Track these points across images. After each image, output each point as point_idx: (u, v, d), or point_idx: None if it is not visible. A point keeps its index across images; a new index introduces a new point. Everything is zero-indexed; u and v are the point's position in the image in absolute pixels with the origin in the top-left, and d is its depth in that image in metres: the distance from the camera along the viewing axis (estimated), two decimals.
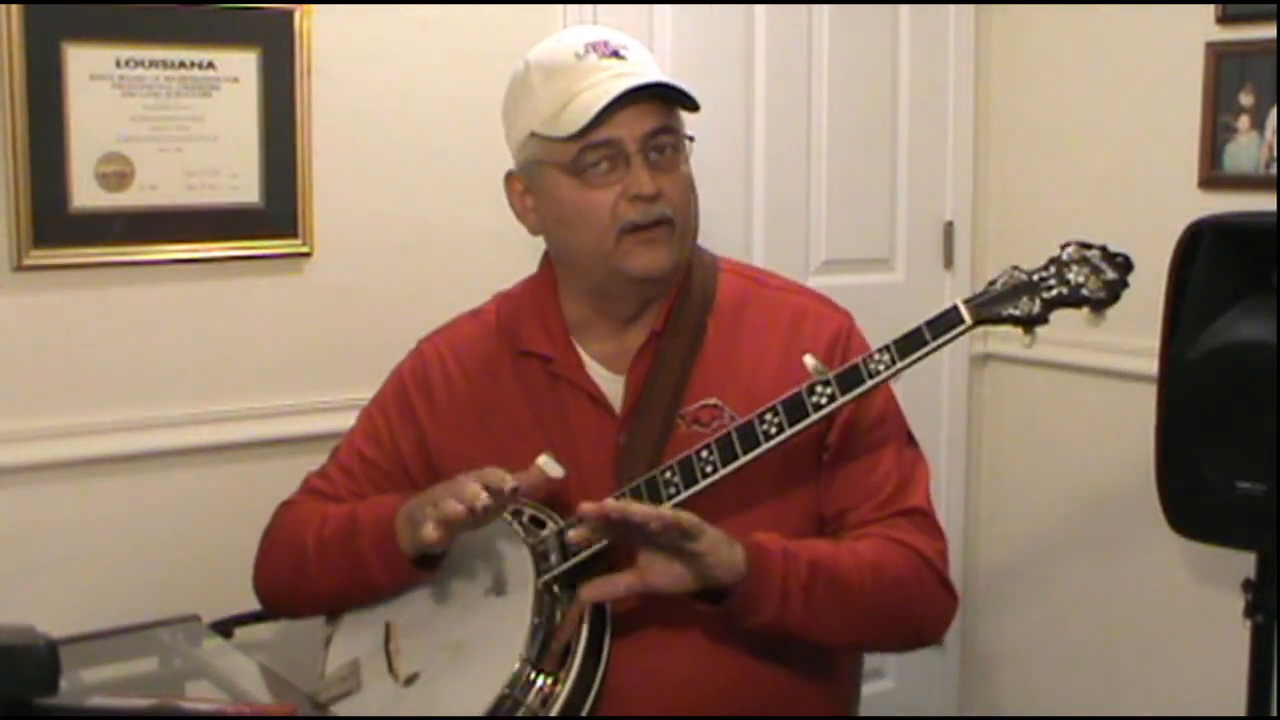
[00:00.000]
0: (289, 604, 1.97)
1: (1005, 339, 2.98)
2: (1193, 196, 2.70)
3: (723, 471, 1.67)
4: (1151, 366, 2.34)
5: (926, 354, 1.66)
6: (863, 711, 2.01)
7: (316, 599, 1.89)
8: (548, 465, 1.71)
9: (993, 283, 1.69)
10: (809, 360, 1.67)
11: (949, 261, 3.15)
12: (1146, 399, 2.34)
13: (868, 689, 2.23)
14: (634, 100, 1.73)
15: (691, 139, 1.86)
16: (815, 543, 1.75)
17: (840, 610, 1.72)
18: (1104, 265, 1.67)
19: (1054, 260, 1.69)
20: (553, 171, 1.78)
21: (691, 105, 1.78)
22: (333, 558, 1.82)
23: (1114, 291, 1.66)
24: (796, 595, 1.68)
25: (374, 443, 1.93)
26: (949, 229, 3.15)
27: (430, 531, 1.65)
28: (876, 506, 1.81)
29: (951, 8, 3.09)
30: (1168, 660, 2.83)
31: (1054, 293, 1.66)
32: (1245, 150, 2.64)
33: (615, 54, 1.76)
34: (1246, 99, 2.64)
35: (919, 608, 1.80)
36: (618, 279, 1.78)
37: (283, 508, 1.96)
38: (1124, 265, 1.67)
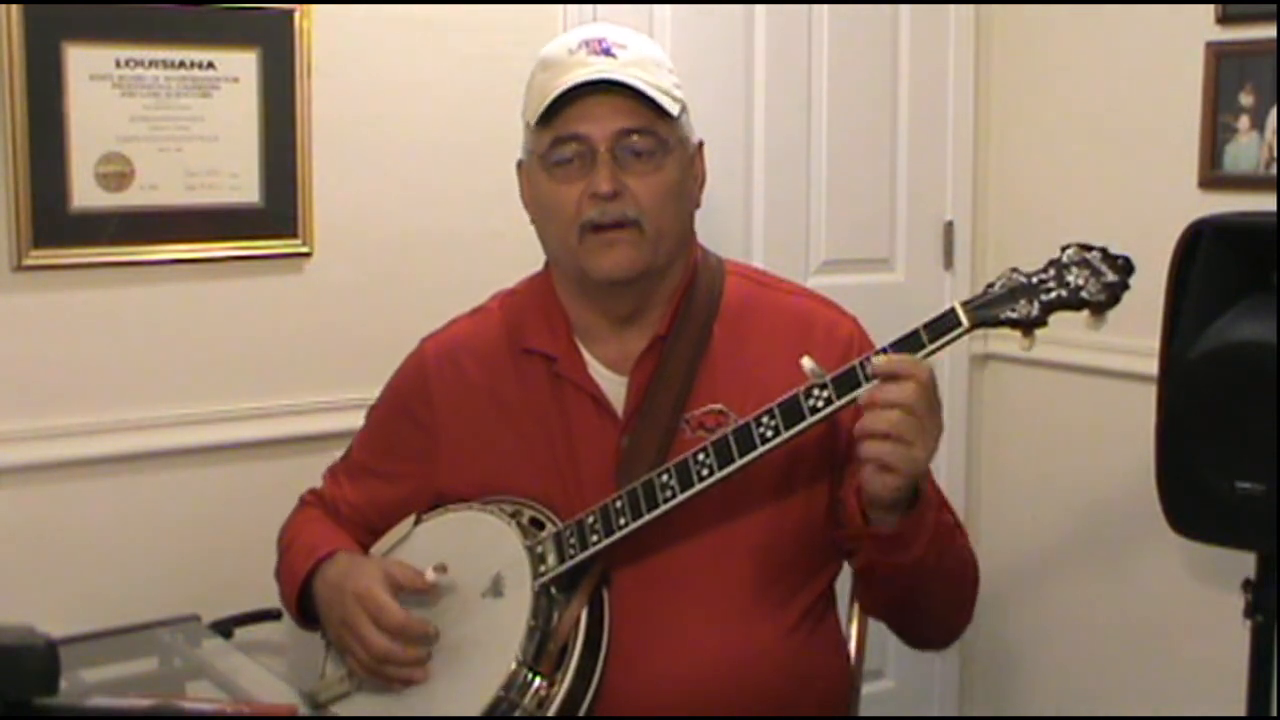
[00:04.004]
0: None
1: (1005, 339, 2.97)
2: (1193, 196, 2.70)
3: (719, 474, 1.66)
4: (1151, 366, 2.33)
5: (923, 357, 1.64)
6: (863, 711, 2.01)
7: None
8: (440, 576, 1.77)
9: (991, 285, 1.68)
10: (806, 363, 1.66)
11: (949, 261, 3.14)
12: (1146, 399, 2.34)
13: (868, 689, 2.23)
14: (607, 98, 1.73)
15: (701, 143, 1.86)
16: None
17: (950, 580, 1.77)
18: (1104, 267, 1.64)
19: (1053, 262, 1.67)
20: (534, 163, 1.81)
21: (660, 109, 1.76)
22: (281, 584, 1.96)
23: (1114, 294, 1.63)
24: (936, 544, 1.67)
25: (376, 452, 1.95)
26: (949, 229, 3.15)
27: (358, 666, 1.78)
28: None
29: (951, 8, 3.09)
30: (1168, 660, 2.83)
31: (1053, 295, 1.64)
32: (1245, 150, 2.64)
33: (606, 51, 1.76)
34: (1246, 99, 2.63)
35: (972, 604, 1.86)
36: (587, 278, 1.79)
37: (296, 508, 2.03)
38: (1125, 268, 1.64)
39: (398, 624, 1.72)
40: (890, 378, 1.59)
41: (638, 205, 1.75)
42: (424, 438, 1.90)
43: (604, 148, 1.74)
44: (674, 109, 1.78)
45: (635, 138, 1.75)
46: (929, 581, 1.72)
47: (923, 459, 1.59)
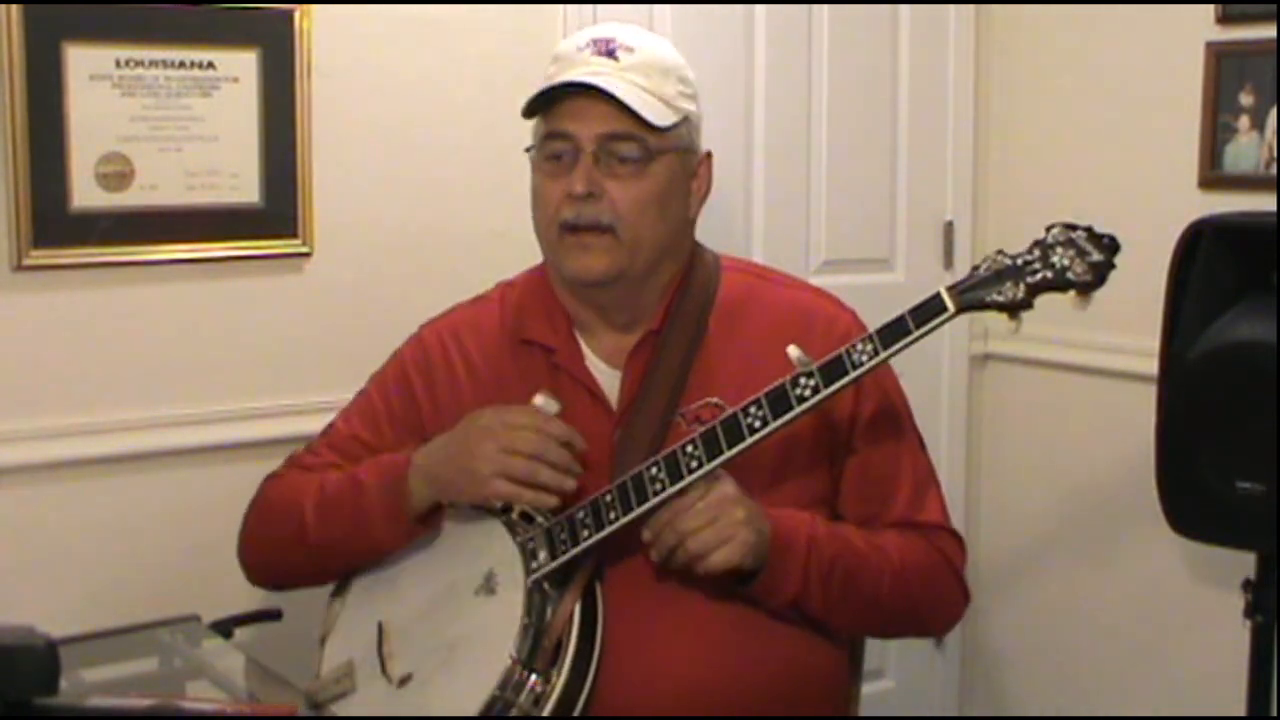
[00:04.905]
0: (279, 571, 1.96)
1: (1005, 339, 2.98)
2: (1193, 196, 2.70)
3: (708, 466, 1.66)
4: (1151, 366, 2.33)
5: (910, 343, 1.64)
6: (863, 711, 2.01)
7: (310, 562, 1.89)
8: (546, 405, 1.73)
9: (976, 268, 1.66)
10: (792, 351, 1.66)
11: (949, 261, 3.14)
12: (1146, 399, 2.34)
13: (868, 689, 2.23)
14: (596, 100, 1.74)
15: (709, 154, 1.87)
16: (847, 534, 1.78)
17: (857, 604, 1.78)
18: (1089, 247, 1.62)
19: (1038, 243, 1.65)
20: (533, 155, 1.83)
21: (645, 122, 1.76)
22: (333, 517, 1.83)
23: (1100, 274, 1.61)
24: (816, 586, 1.73)
25: (369, 424, 1.93)
26: (949, 229, 3.15)
27: (503, 489, 1.69)
28: (894, 511, 1.84)
29: (951, 8, 3.09)
30: (1168, 660, 2.83)
31: (1038, 276, 1.62)
32: (1245, 150, 2.64)
33: (610, 53, 1.77)
34: (1246, 99, 2.63)
35: (933, 607, 1.87)
36: (562, 276, 1.82)
37: (270, 480, 1.98)
38: (1109, 246, 1.62)
39: (537, 417, 1.70)
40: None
41: (614, 211, 1.76)
42: (421, 416, 1.90)
43: (588, 148, 1.75)
44: (663, 120, 1.77)
45: (619, 143, 1.76)
46: (831, 614, 1.77)
47: (743, 546, 1.66)
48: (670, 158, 1.80)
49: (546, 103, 1.78)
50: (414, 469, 1.77)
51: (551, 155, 1.79)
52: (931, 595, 1.85)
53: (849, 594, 1.76)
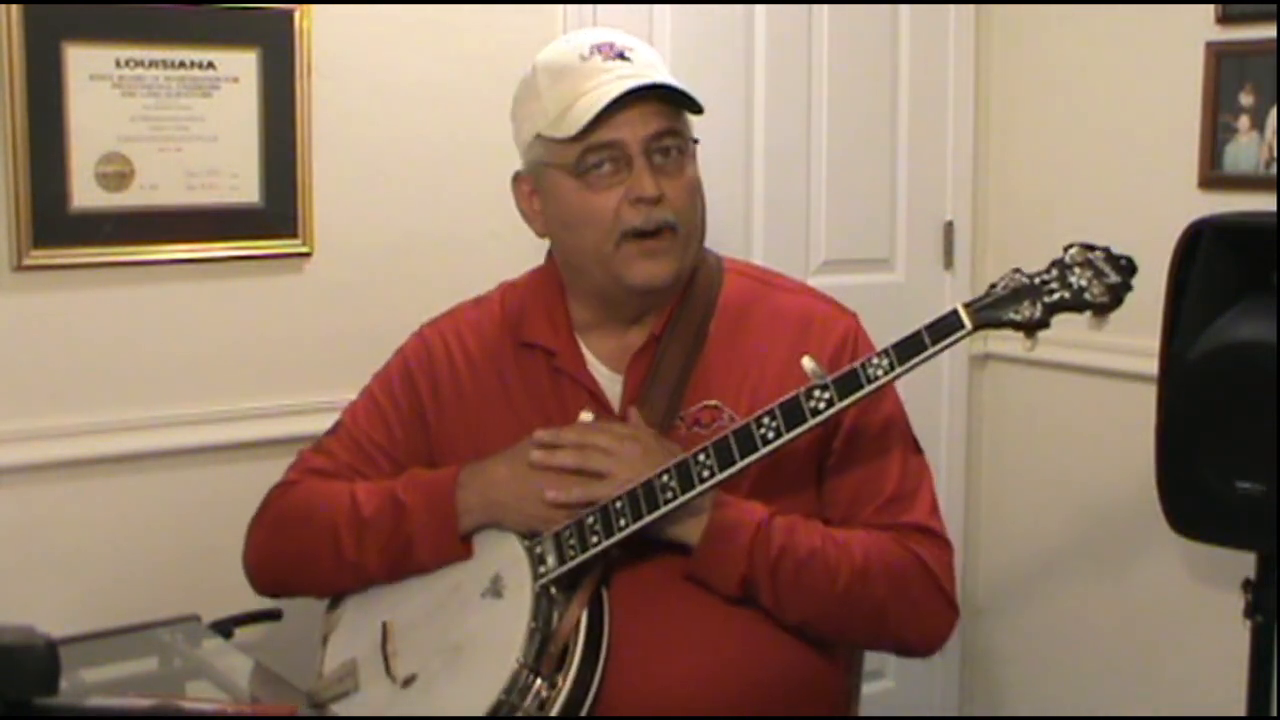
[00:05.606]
0: (299, 584, 1.93)
1: (1006, 339, 2.97)
2: (1193, 196, 2.70)
3: (720, 476, 1.66)
4: (1151, 366, 2.33)
5: (926, 359, 1.64)
6: (863, 711, 2.01)
7: (345, 578, 1.86)
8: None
9: (994, 286, 1.67)
10: (807, 363, 1.66)
11: (949, 261, 3.15)
12: (1146, 399, 2.34)
13: (868, 689, 2.23)
14: (637, 102, 1.73)
15: (697, 141, 1.86)
16: (804, 527, 1.74)
17: (810, 596, 1.72)
18: (1107, 268, 1.63)
19: (1056, 263, 1.66)
20: (557, 173, 1.78)
21: (695, 108, 1.78)
22: (374, 537, 1.80)
23: (1117, 295, 1.62)
24: (762, 572, 1.70)
25: (380, 424, 1.92)
26: (949, 229, 3.15)
27: (564, 518, 1.72)
28: (876, 511, 1.81)
29: (951, 8, 3.09)
30: (1168, 660, 2.83)
31: (1056, 296, 1.63)
32: (1245, 150, 2.64)
33: (620, 55, 1.76)
34: (1246, 99, 2.64)
35: (905, 614, 1.78)
36: (619, 286, 1.79)
37: (282, 490, 1.94)
38: (1127, 268, 1.63)
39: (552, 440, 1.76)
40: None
41: (673, 208, 1.76)
42: (425, 412, 1.89)
43: (639, 151, 1.74)
44: (694, 106, 1.79)
45: (665, 139, 1.76)
46: (786, 607, 1.73)
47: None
48: (693, 145, 1.82)
49: (581, 116, 1.73)
50: (462, 490, 1.77)
51: (593, 166, 1.75)
52: (901, 599, 1.76)
53: (800, 585, 1.71)
